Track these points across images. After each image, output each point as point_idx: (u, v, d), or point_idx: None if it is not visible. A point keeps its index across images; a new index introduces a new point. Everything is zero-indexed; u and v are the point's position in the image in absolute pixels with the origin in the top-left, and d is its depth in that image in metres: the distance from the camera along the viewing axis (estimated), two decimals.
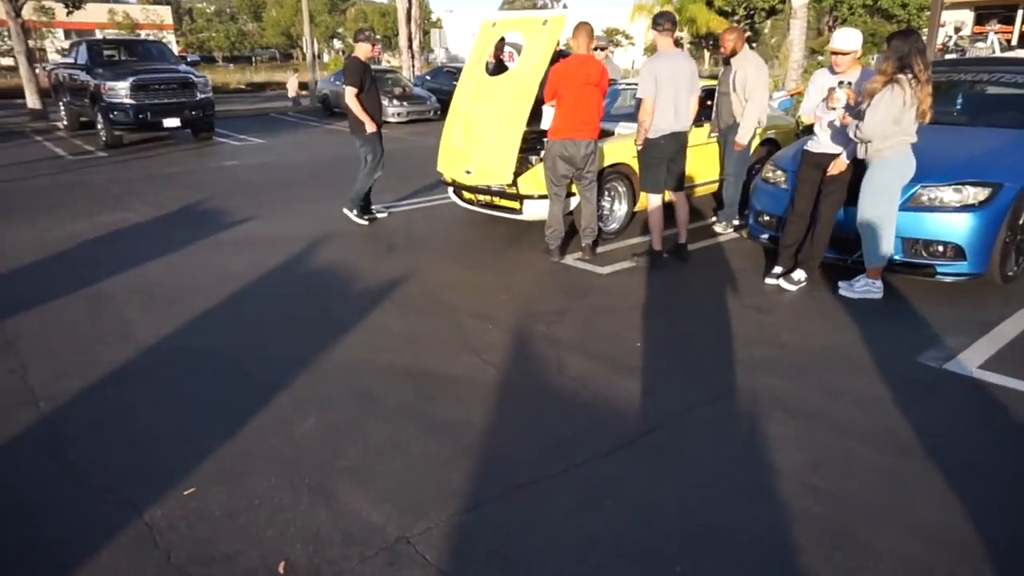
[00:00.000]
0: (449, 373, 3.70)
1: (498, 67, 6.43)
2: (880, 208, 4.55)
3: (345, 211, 7.01)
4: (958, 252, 4.66)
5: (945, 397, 3.41)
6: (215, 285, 5.09)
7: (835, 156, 4.75)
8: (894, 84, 4.28)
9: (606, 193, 6.23)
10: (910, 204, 4.74)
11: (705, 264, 5.58)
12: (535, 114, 6.30)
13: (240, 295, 4.95)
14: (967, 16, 27.56)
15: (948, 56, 21.56)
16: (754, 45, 36.70)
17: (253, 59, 56.47)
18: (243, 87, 30.06)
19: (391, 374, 3.69)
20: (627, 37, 46.79)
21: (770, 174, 5.61)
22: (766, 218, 5.54)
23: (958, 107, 6.11)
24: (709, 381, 3.59)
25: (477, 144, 6.05)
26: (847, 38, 4.76)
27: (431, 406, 3.36)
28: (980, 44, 22.97)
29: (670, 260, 5.58)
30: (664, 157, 5.41)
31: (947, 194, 4.69)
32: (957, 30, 24.49)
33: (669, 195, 5.62)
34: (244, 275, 5.32)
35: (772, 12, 29.54)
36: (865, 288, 4.75)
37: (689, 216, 5.72)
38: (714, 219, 6.61)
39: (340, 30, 66.10)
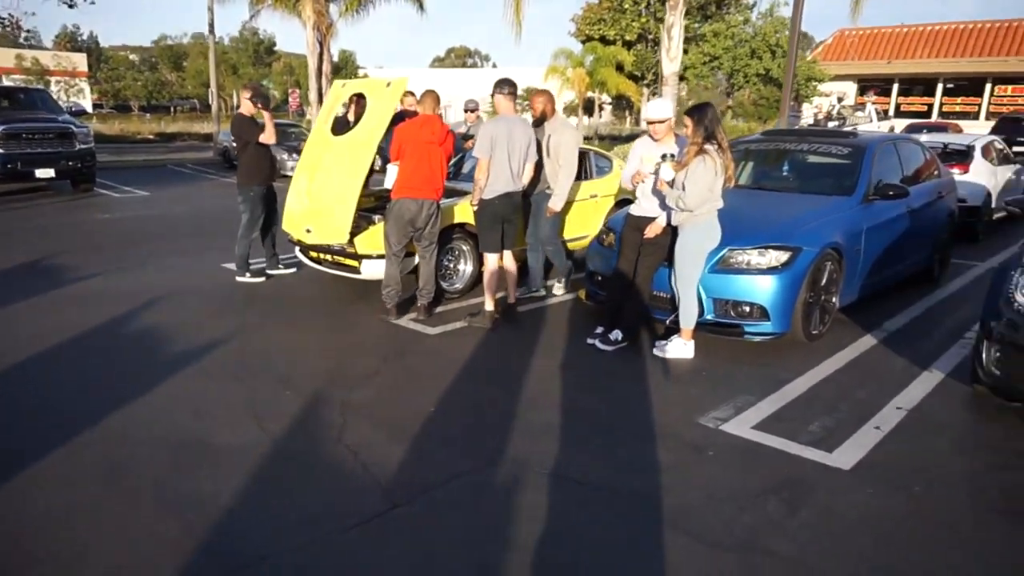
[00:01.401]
0: (221, 443, 3.53)
1: (343, 126, 6.44)
2: (691, 270, 4.71)
3: (237, 277, 6.80)
4: (763, 312, 4.84)
5: (711, 460, 3.46)
6: (20, 341, 4.80)
7: (654, 219, 4.92)
8: (705, 155, 4.50)
9: (450, 253, 6.24)
10: (720, 266, 4.91)
11: (536, 325, 5.61)
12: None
13: (42, 354, 4.67)
14: (851, 87, 29.60)
15: (831, 123, 23.07)
16: None
17: (172, 109, 55.49)
18: (151, 137, 29.34)
19: (156, 445, 3.50)
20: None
21: (603, 236, 5.76)
22: (599, 278, 5.64)
23: (778, 174, 6.47)
24: (486, 448, 3.54)
25: (317, 202, 6.00)
26: (659, 108, 4.99)
27: (183, 481, 3.18)
28: (860, 113, 24.67)
29: (503, 322, 5.59)
30: (499, 217, 5.47)
31: (753, 257, 4.89)
32: (840, 99, 26.22)
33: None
34: (59, 332, 5.03)
35: (681, 78, 30.97)
36: (678, 348, 4.85)
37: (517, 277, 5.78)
38: (551, 282, 6.46)
39: (265, 82, 65.96)
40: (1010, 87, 27.41)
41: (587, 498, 3.09)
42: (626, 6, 30.19)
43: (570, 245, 7.18)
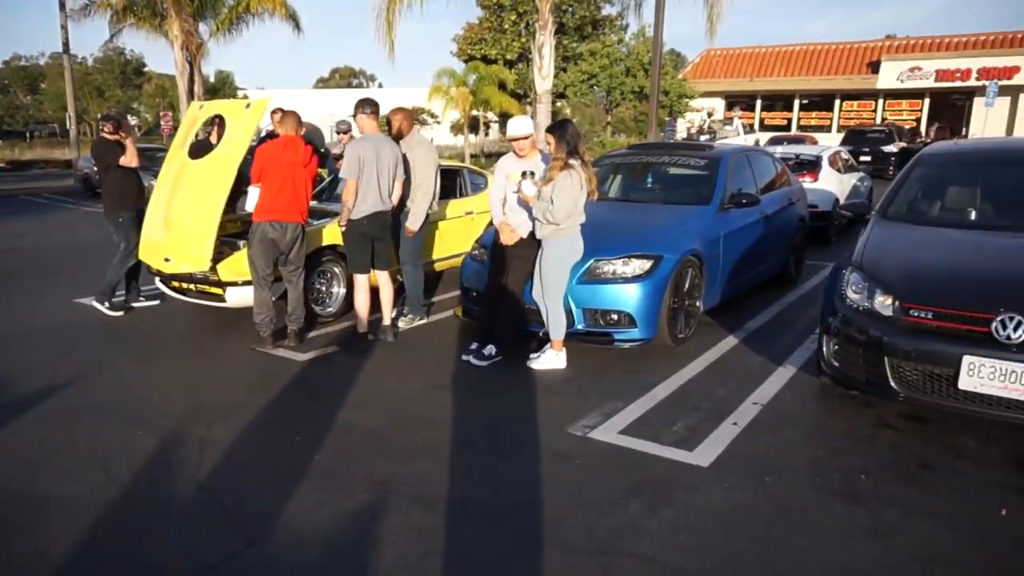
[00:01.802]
0: (56, 495, 3.24)
1: (205, 149, 6.16)
2: (557, 283, 4.78)
3: (94, 303, 6.29)
4: (630, 320, 4.99)
5: (578, 468, 3.51)
6: None
7: (523, 234, 4.99)
8: (571, 169, 4.60)
9: (321, 276, 6.08)
10: (587, 277, 5.03)
11: (411, 345, 5.54)
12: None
13: None
14: (719, 103, 31.41)
15: (702, 137, 24.37)
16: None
17: (28, 134, 51.45)
18: (2, 165, 27.05)
19: None
20: (432, 116, 48.12)
21: (476, 252, 5.78)
22: (474, 294, 5.65)
23: (642, 186, 6.74)
24: (352, 475, 3.43)
25: (175, 230, 5.69)
26: (520, 125, 5.08)
27: (7, 543, 2.89)
28: (728, 127, 26.24)
29: (377, 343, 5.49)
30: (368, 237, 5.38)
31: (618, 267, 5.04)
32: (710, 115, 27.82)
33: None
34: None
35: (562, 95, 31.82)
36: (550, 360, 4.92)
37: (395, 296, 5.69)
38: (398, 313, 6.02)
39: (135, 104, 62.35)
40: (855, 102, 29.99)
41: (454, 517, 3.05)
42: (506, 26, 30.79)
43: (446, 264, 7.18)
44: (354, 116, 5.43)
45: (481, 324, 5.25)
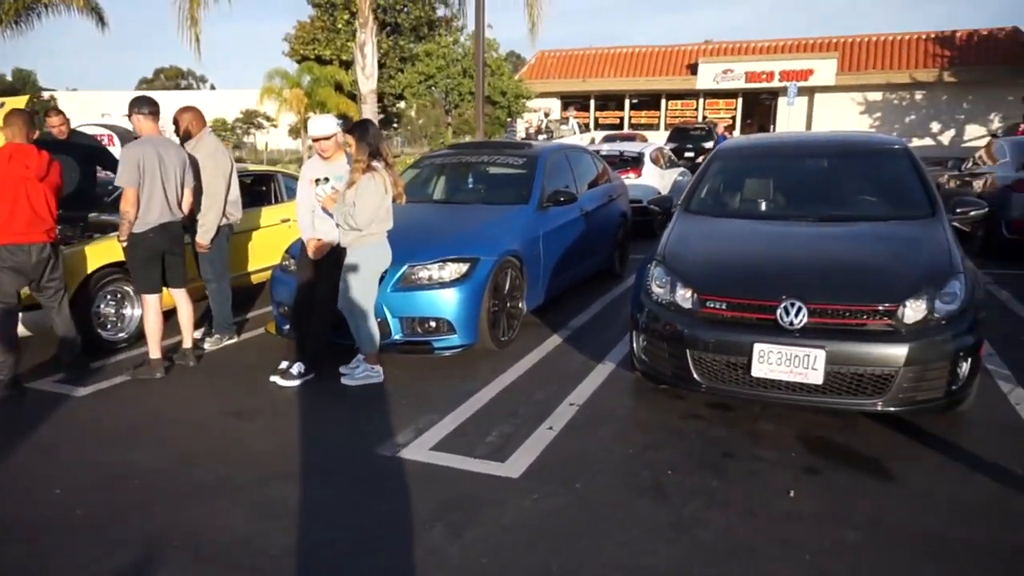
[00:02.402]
0: None
1: None
2: (363, 294, 4.49)
3: None
4: (449, 326, 4.80)
5: (386, 491, 3.25)
6: None
7: (331, 242, 4.65)
8: (373, 172, 4.31)
9: (109, 297, 5.39)
10: (402, 284, 4.79)
11: (214, 369, 5.04)
12: None
13: None
14: (555, 103, 32.29)
15: (541, 136, 24.90)
16: (395, 127, 38.70)
17: None
18: None
19: None
20: (268, 119, 45.90)
21: (285, 263, 5.36)
22: (284, 309, 5.23)
23: (462, 187, 6.60)
24: (119, 528, 2.98)
25: None
26: (321, 125, 4.75)
27: None
28: (564, 127, 27.03)
29: (175, 369, 4.94)
30: (157, 251, 4.80)
31: (433, 272, 4.83)
32: (547, 115, 28.52)
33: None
34: None
35: (400, 97, 31.30)
36: (364, 374, 4.63)
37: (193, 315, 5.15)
38: (204, 334, 5.60)
39: None
40: (680, 102, 31.94)
41: (236, 567, 2.70)
42: (339, 26, 29.81)
43: (262, 276, 6.66)
44: (129, 117, 4.82)
45: (295, 340, 4.87)
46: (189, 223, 5.14)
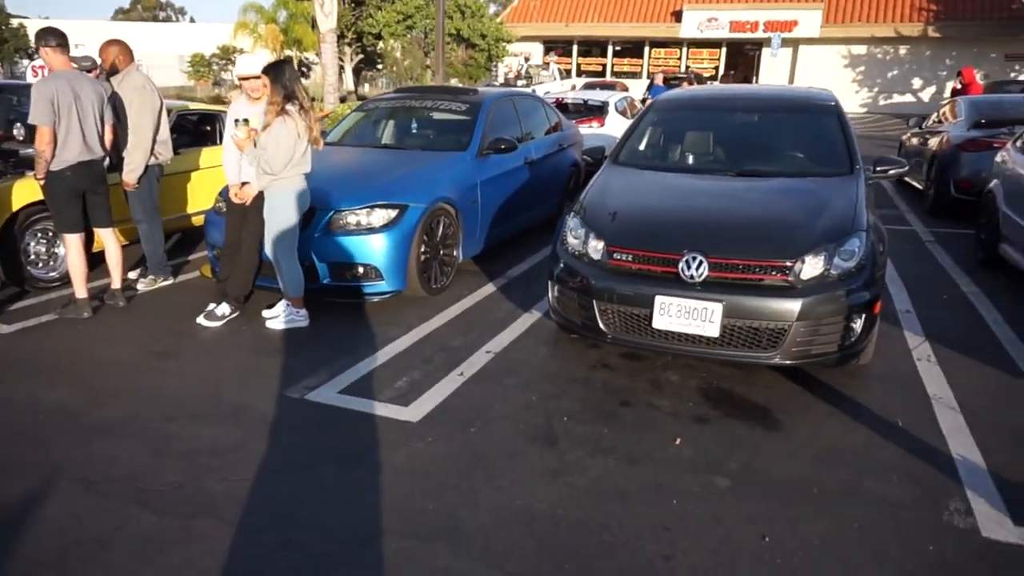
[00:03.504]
0: None
1: None
2: (284, 237, 4.49)
3: None
4: (377, 272, 4.83)
5: (282, 433, 3.33)
6: None
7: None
8: (286, 116, 4.26)
9: (41, 235, 5.35)
10: (329, 229, 4.79)
11: (143, 310, 5.05)
12: None
13: None
14: (537, 48, 31.66)
15: (520, 82, 24.49)
16: (379, 67, 37.79)
17: None
18: None
19: None
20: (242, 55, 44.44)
21: (217, 204, 5.33)
22: (217, 251, 5.22)
23: (403, 132, 6.53)
24: (20, 462, 3.04)
25: None
26: (247, 63, 4.67)
27: None
28: (545, 72, 26.59)
29: (104, 309, 4.95)
30: (77, 190, 4.73)
31: (361, 217, 4.83)
32: (527, 59, 27.98)
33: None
34: None
35: (379, 36, 30.51)
36: (289, 318, 4.66)
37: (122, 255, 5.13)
38: (139, 274, 5.63)
39: None
40: (663, 50, 31.42)
41: (122, 500, 2.78)
42: None
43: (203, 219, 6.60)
44: (36, 50, 4.69)
45: (218, 283, 4.89)
46: (117, 161, 5.08)
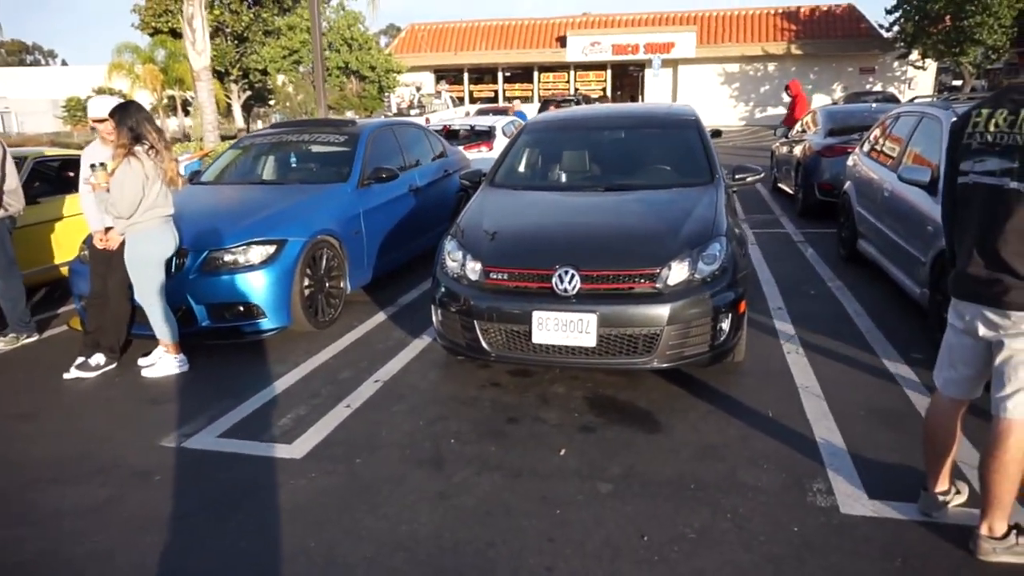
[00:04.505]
0: None
1: None
2: (148, 282, 4.31)
3: None
4: (258, 310, 4.69)
5: (157, 483, 3.17)
6: None
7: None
8: (131, 158, 4.10)
9: None
10: (206, 269, 4.64)
11: (6, 369, 4.72)
12: None
13: None
14: (428, 77, 31.91)
15: (413, 111, 24.56)
16: (271, 102, 36.95)
17: None
18: None
19: None
20: (123, 97, 42.62)
21: (82, 252, 5.05)
22: (83, 301, 4.93)
23: (281, 166, 6.43)
24: None
25: None
26: (98, 106, 4.51)
27: None
28: (437, 101, 26.82)
29: None
30: None
31: (238, 255, 4.70)
32: (419, 89, 28.16)
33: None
34: None
35: (264, 72, 29.90)
36: (166, 365, 4.46)
37: None
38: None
39: None
40: (552, 74, 32.37)
41: None
42: None
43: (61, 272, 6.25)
44: None
45: (85, 335, 4.62)
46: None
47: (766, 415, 3.62)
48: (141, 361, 4.51)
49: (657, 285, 3.63)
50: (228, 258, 4.68)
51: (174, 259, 4.55)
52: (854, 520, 2.70)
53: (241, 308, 4.69)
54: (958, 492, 2.76)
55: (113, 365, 4.54)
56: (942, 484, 2.70)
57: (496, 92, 33.00)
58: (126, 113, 4.15)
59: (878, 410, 3.63)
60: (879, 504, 2.79)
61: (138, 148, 4.11)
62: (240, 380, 4.31)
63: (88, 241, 4.98)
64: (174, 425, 3.73)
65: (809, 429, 3.45)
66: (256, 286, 4.65)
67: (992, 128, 2.31)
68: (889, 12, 25.92)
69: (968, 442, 3.05)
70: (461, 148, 9.33)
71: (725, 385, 3.99)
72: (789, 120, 13.27)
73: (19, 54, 77.87)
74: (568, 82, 32.16)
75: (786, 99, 13.60)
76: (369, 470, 3.20)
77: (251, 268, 4.67)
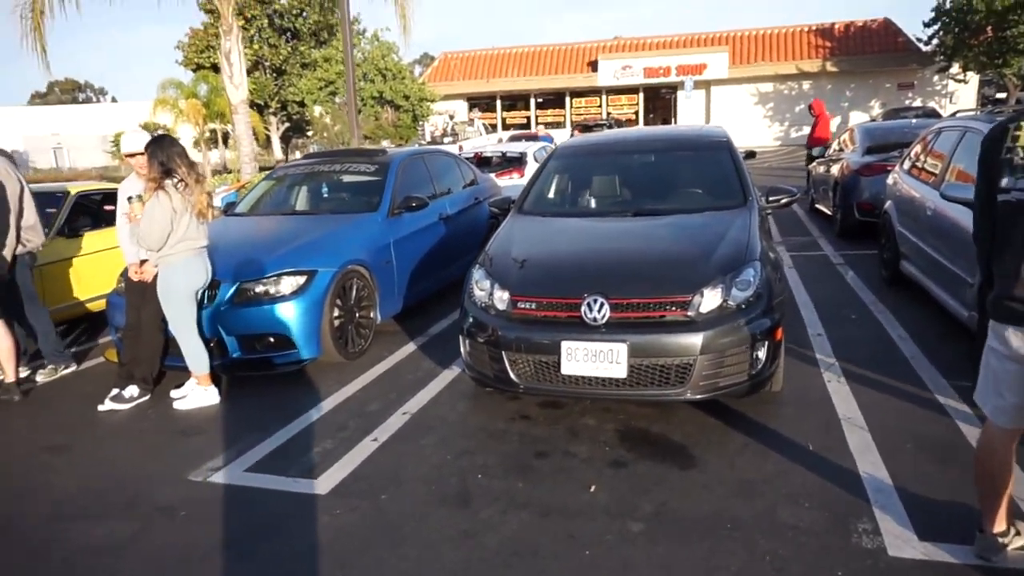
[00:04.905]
0: None
1: None
2: (180, 313, 4.35)
3: None
4: (288, 341, 4.70)
5: (182, 519, 3.14)
6: None
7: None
8: (160, 191, 4.16)
9: None
10: (236, 301, 4.66)
11: (42, 402, 4.80)
12: None
13: None
14: (461, 105, 32.27)
15: (447, 139, 24.82)
16: (309, 133, 37.79)
17: None
18: None
19: None
20: (169, 132, 44.15)
21: (119, 285, 5.13)
22: (119, 333, 5.00)
23: (313, 197, 6.48)
24: None
25: None
26: (131, 141, 4.60)
27: None
28: (470, 129, 27.07)
29: (0, 403, 4.68)
30: None
31: (269, 286, 4.72)
32: (452, 117, 28.48)
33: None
34: None
35: (302, 104, 30.61)
36: (198, 397, 4.47)
37: (15, 347, 4.86)
38: (34, 367, 5.30)
39: None
40: (584, 99, 32.46)
41: None
42: None
43: (102, 303, 6.36)
44: None
45: (119, 366, 4.67)
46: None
47: (806, 448, 3.46)
48: (173, 393, 4.54)
49: (689, 313, 3.52)
50: (259, 289, 4.70)
51: (207, 291, 4.60)
52: (904, 564, 2.54)
53: (272, 339, 4.70)
54: (1018, 533, 2.57)
55: (147, 397, 4.58)
56: (1000, 524, 2.53)
57: (528, 118, 33.21)
58: (158, 147, 4.23)
59: (927, 442, 3.44)
60: (930, 546, 2.62)
61: (167, 182, 4.17)
62: (269, 413, 4.30)
63: (124, 274, 5.06)
64: (202, 458, 3.72)
65: (853, 463, 3.28)
66: (286, 317, 4.66)
67: None
68: (927, 25, 25.47)
69: None
70: (493, 175, 9.33)
71: (763, 416, 3.84)
72: (812, 140, 13.04)
73: (72, 92, 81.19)
74: (600, 106, 32.23)
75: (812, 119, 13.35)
76: (394, 506, 3.14)
77: (281, 299, 4.68)
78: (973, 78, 27.19)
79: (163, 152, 4.20)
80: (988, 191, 2.36)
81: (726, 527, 2.83)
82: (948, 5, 24.15)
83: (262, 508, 3.21)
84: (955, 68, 25.87)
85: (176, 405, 4.46)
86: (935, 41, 25.65)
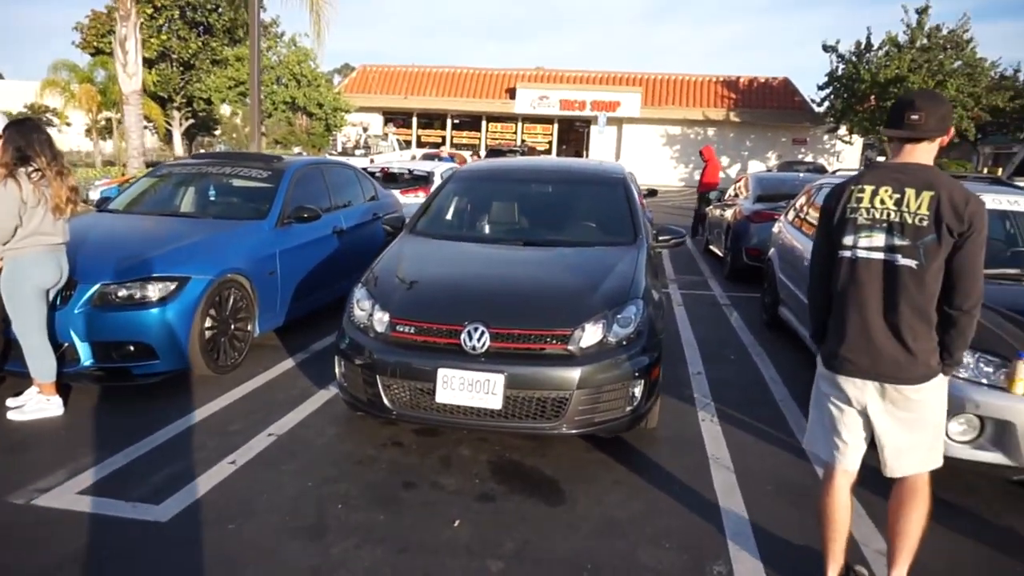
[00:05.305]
0: None
1: None
2: (25, 314, 3.95)
3: None
4: (149, 350, 4.36)
5: (6, 543, 2.80)
6: None
7: None
8: (9, 180, 3.77)
9: None
10: (95, 304, 4.28)
11: None
12: None
13: None
14: (376, 119, 31.92)
15: (358, 151, 24.37)
16: (217, 132, 36.22)
17: None
18: None
19: None
20: (59, 116, 41.31)
21: None
22: None
23: (198, 198, 6.13)
24: None
25: None
26: None
27: None
28: (384, 143, 26.73)
29: None
30: None
31: (134, 291, 4.37)
32: (365, 129, 28.06)
33: None
34: None
35: (209, 101, 29.35)
36: (38, 407, 4.06)
37: None
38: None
39: None
40: (500, 124, 32.80)
41: None
42: (141, 19, 27.50)
43: None
44: None
45: None
46: None
47: (673, 488, 3.48)
48: (9, 402, 4.10)
49: (569, 347, 3.49)
50: (122, 293, 4.34)
51: (61, 291, 4.21)
52: None
53: (131, 348, 4.35)
54: None
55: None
56: (836, 566, 2.60)
57: (444, 138, 33.18)
58: (17, 132, 3.84)
59: (786, 485, 3.54)
60: None
61: (20, 170, 3.79)
62: (119, 428, 3.95)
63: None
64: (30, 478, 3.35)
65: (716, 505, 3.32)
66: (150, 325, 4.33)
67: (879, 204, 2.32)
68: (821, 88, 27.33)
69: (868, 519, 2.97)
70: (398, 192, 9.17)
71: (635, 453, 3.85)
72: (701, 185, 13.52)
73: None
74: (516, 133, 32.62)
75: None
76: (239, 538, 2.91)
77: (146, 305, 4.34)
78: (858, 140, 29.32)
79: (22, 137, 3.82)
80: (827, 247, 2.47)
81: (586, 568, 2.78)
82: (840, 72, 26.00)
83: (92, 535, 2.91)
84: (843, 130, 27.83)
85: (11, 416, 4.03)
86: (827, 104, 27.54)
